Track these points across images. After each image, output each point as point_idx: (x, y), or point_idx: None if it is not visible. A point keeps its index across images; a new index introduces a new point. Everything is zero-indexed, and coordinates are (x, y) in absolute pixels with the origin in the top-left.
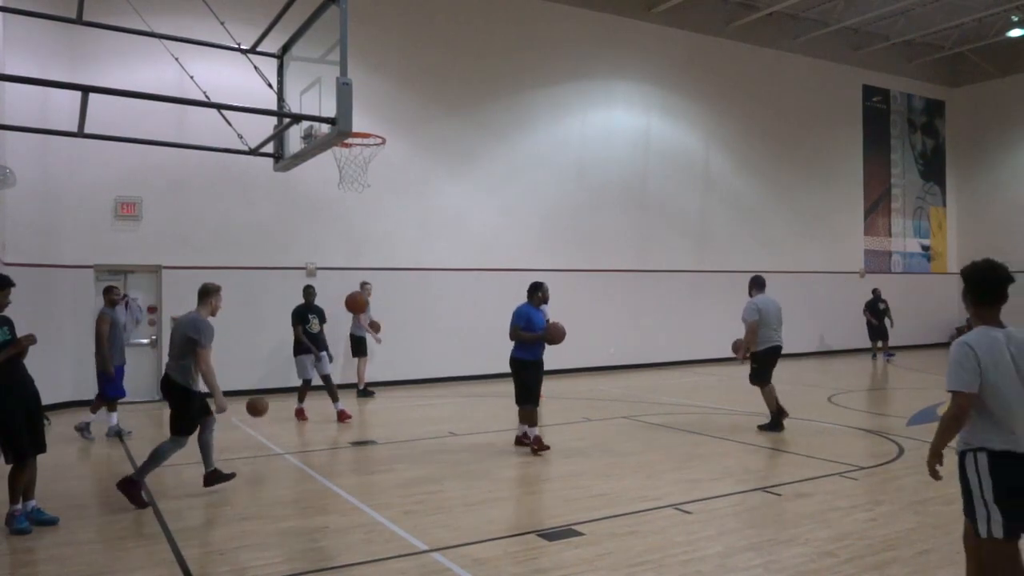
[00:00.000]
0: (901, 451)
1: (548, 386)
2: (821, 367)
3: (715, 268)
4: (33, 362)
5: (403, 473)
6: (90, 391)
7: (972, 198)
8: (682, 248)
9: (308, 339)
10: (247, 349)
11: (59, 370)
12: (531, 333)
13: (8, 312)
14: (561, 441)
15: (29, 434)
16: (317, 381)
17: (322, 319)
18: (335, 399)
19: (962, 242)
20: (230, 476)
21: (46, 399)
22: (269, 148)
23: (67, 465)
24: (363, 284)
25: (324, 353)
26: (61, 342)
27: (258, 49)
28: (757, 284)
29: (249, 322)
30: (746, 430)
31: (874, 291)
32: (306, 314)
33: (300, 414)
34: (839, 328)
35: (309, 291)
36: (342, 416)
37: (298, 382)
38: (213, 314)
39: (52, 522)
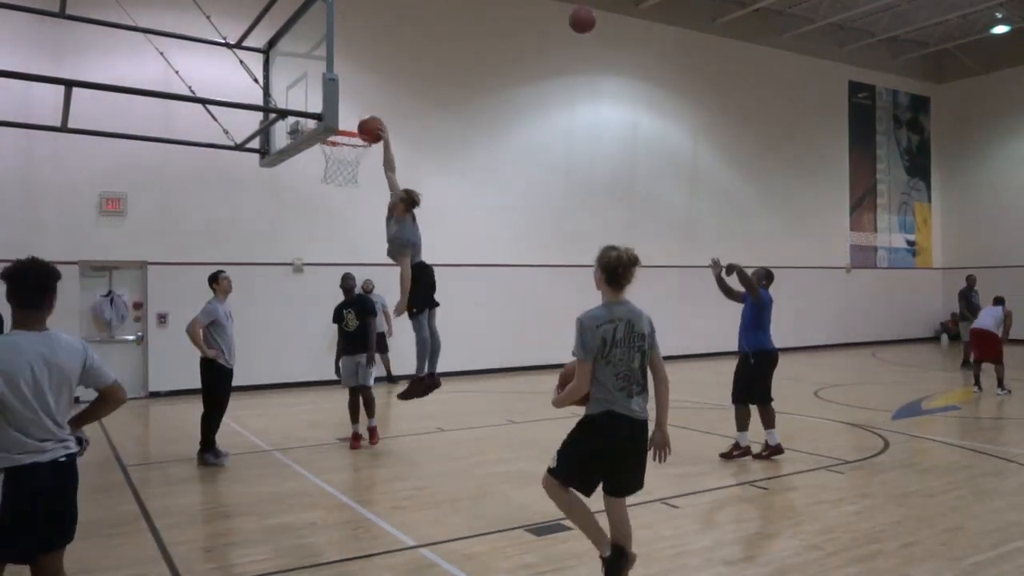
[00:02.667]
0: (886, 445)
1: (536, 381)
2: (807, 362)
3: (702, 263)
4: None
5: (391, 469)
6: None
7: (956, 194)
8: (669, 243)
9: (344, 340)
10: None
11: None
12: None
13: None
14: (549, 436)
15: None
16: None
17: (362, 313)
18: (370, 414)
19: (947, 237)
20: None
21: None
22: (255, 143)
23: None
24: (366, 282)
25: (362, 357)
26: None
27: (244, 44)
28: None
29: (236, 318)
30: (733, 424)
31: (968, 278)
32: (340, 311)
33: (356, 439)
34: (825, 323)
35: (346, 280)
36: (373, 434)
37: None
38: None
39: None
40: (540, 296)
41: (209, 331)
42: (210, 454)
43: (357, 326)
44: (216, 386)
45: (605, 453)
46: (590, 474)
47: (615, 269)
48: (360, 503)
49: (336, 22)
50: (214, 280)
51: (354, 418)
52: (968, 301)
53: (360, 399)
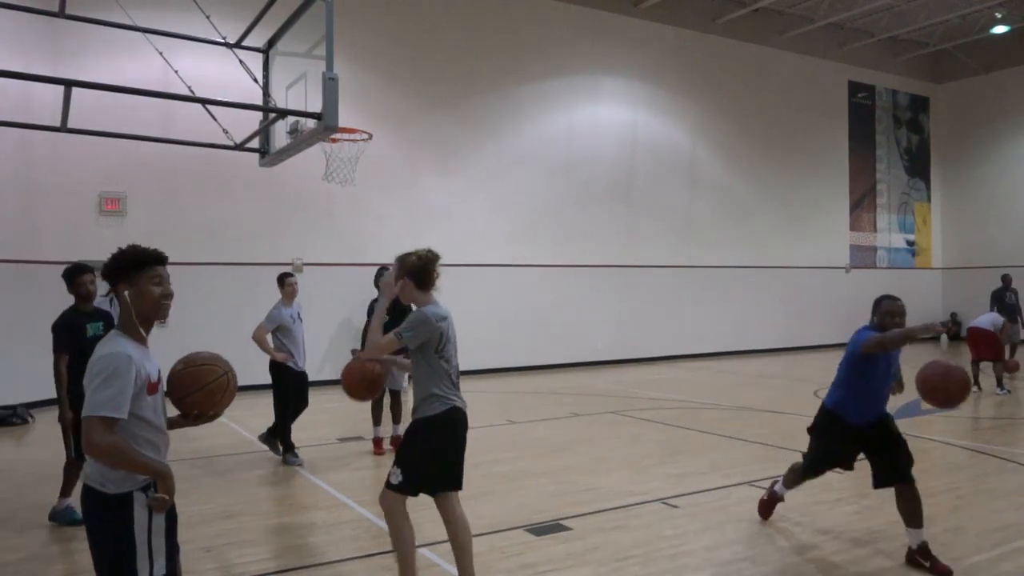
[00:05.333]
0: None
1: (536, 381)
2: (807, 362)
3: (702, 263)
4: (16, 360)
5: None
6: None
7: (956, 194)
8: (669, 243)
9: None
10: (235, 345)
11: (42, 368)
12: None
13: None
14: (548, 436)
15: None
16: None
17: (402, 316)
18: (396, 419)
19: (947, 237)
20: None
21: (29, 397)
22: (255, 143)
23: (51, 463)
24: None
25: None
26: (44, 340)
27: (244, 43)
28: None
29: (235, 318)
30: (733, 424)
31: (1004, 277)
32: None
33: (378, 445)
34: (825, 323)
35: (380, 276)
36: (397, 442)
37: None
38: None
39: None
40: (540, 296)
41: (276, 335)
42: (290, 454)
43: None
44: (285, 389)
45: (452, 450)
46: (436, 474)
47: (424, 268)
48: (359, 503)
49: (336, 21)
50: (280, 283)
51: (376, 420)
52: (1002, 302)
53: (386, 402)
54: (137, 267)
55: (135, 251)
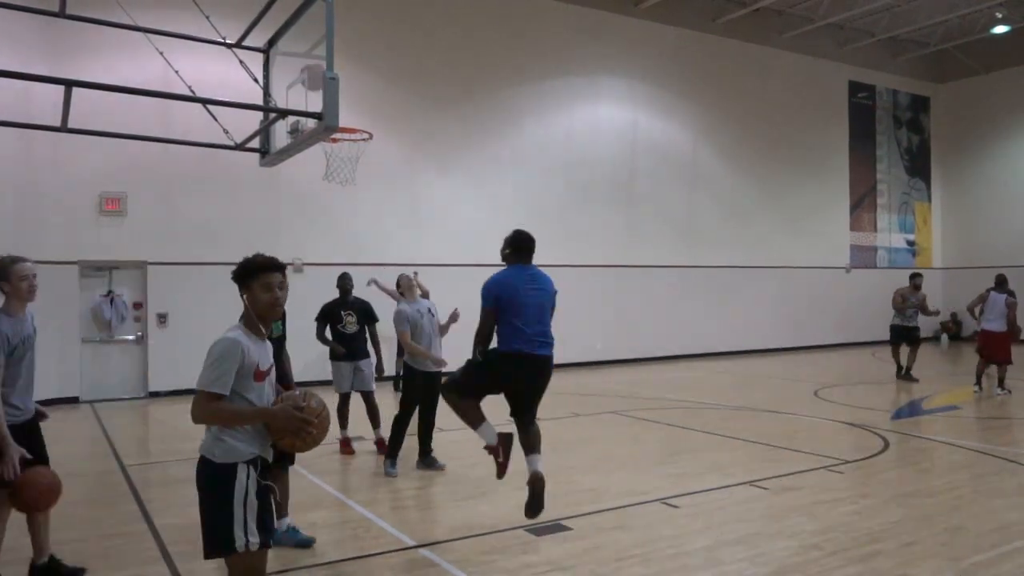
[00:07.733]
0: (886, 445)
1: None
2: (807, 362)
3: (702, 263)
4: None
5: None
6: (75, 388)
7: (956, 193)
8: (669, 243)
9: (342, 342)
10: None
11: (43, 367)
12: None
13: None
14: (549, 436)
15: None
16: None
17: (365, 317)
18: (375, 424)
19: (947, 237)
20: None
21: None
22: (255, 143)
23: (51, 464)
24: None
25: (365, 362)
26: (45, 339)
27: (244, 43)
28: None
29: (235, 319)
30: (733, 424)
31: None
32: (337, 311)
33: (345, 446)
34: (825, 323)
35: (343, 280)
36: (381, 445)
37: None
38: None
39: (307, 544)
40: None
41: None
42: (388, 462)
43: (357, 330)
44: (405, 389)
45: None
46: None
47: None
48: (360, 503)
49: (336, 22)
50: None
51: (342, 424)
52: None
53: (349, 405)
54: (251, 274)
55: (250, 260)
